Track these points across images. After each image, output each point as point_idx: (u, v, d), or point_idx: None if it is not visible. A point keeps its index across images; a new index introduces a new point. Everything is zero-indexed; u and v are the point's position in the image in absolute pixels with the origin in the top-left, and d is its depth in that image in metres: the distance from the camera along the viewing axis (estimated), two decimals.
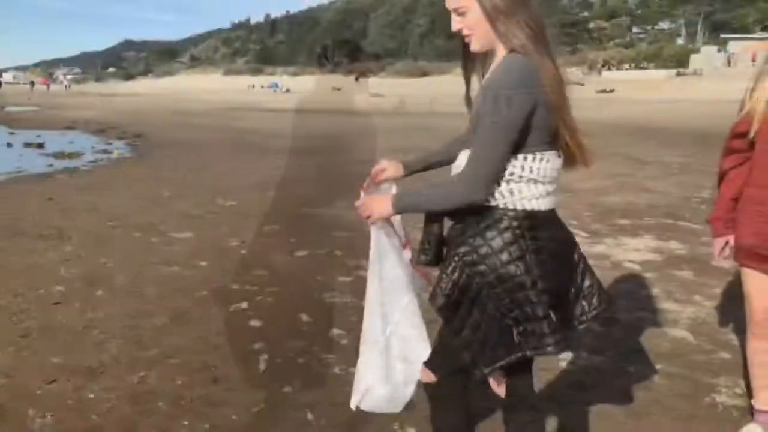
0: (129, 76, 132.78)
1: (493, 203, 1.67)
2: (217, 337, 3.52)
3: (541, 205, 1.68)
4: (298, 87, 68.97)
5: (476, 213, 1.69)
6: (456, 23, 1.73)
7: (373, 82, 68.26)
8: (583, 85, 46.96)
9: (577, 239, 1.91)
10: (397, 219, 1.96)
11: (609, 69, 53.60)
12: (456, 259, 1.71)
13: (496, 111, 1.57)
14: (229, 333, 3.59)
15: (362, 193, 2.00)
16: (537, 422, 1.93)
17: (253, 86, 77.30)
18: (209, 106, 32.55)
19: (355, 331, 3.56)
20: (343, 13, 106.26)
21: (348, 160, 11.61)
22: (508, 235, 1.66)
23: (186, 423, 2.64)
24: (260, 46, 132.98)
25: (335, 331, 3.59)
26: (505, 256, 1.65)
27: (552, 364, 3.05)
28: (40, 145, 13.73)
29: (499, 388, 1.90)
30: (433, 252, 1.85)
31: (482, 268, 1.67)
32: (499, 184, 1.65)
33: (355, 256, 5.12)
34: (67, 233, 5.83)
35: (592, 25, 77.81)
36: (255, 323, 3.74)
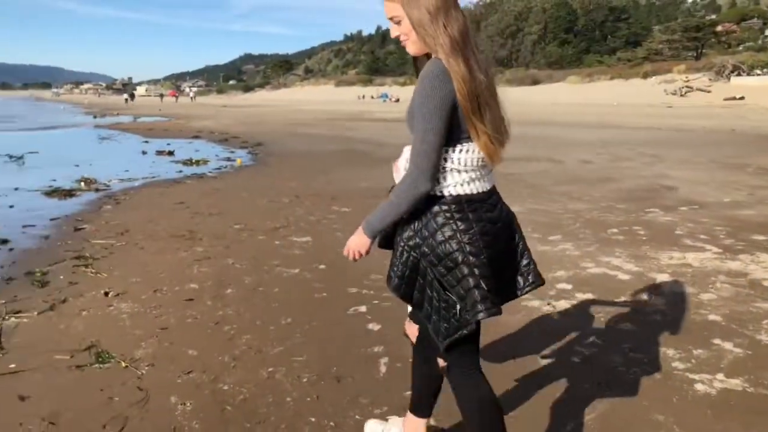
0: (248, 88, 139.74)
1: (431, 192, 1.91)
2: (338, 339, 3.63)
3: (467, 190, 1.93)
4: (408, 96, 69.68)
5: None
6: (393, 30, 1.94)
7: None
8: (710, 92, 44.07)
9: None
10: None
11: (739, 74, 49.95)
12: (402, 244, 1.98)
13: (421, 106, 1.82)
14: (349, 335, 3.68)
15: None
16: (479, 388, 2.10)
17: (363, 96, 78.92)
18: (322, 116, 33.60)
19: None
20: None
21: None
22: (440, 219, 1.91)
23: (313, 420, 2.74)
24: (371, 57, 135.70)
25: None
26: (439, 237, 1.90)
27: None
28: (171, 153, 14.73)
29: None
30: (384, 236, 2.12)
31: (424, 249, 1.92)
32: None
33: None
34: (197, 235, 6.22)
35: (719, 28, 72.87)
36: (373, 326, 3.81)
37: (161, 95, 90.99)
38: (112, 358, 3.34)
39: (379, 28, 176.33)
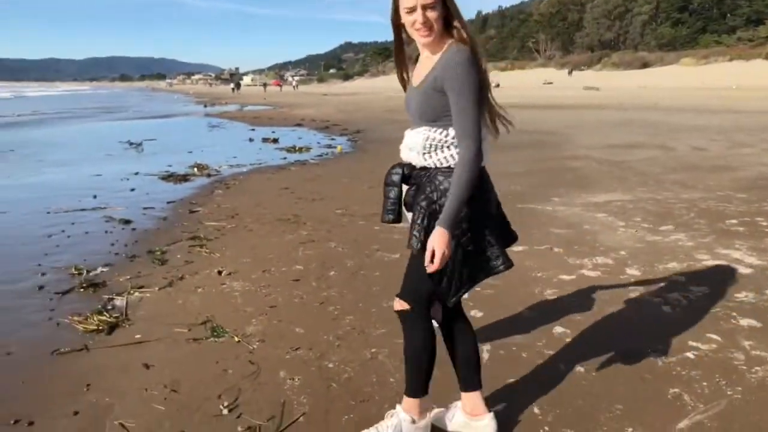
0: (347, 76, 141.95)
1: (445, 164, 2.15)
2: (437, 325, 3.63)
3: (483, 159, 2.12)
4: (508, 82, 68.26)
5: (428, 174, 2.18)
6: (421, 17, 2.06)
7: (588, 75, 65.20)
8: None
9: None
10: None
11: None
12: (423, 211, 2.13)
13: (462, 87, 2.03)
14: None
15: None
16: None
17: None
18: None
19: (580, 330, 3.48)
20: (557, 4, 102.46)
21: (561, 155, 11.26)
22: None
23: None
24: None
25: (558, 329, 3.51)
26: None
27: None
28: (275, 140, 15.26)
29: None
30: (395, 212, 2.30)
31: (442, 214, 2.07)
32: (447, 150, 2.14)
33: (575, 254, 4.97)
34: (301, 219, 6.43)
35: None
36: (477, 314, 3.79)
37: (264, 85, 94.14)
38: (226, 333, 3.54)
39: (479, 12, 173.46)
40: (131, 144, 14.54)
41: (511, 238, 2.44)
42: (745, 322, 3.58)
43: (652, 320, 3.64)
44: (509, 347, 3.31)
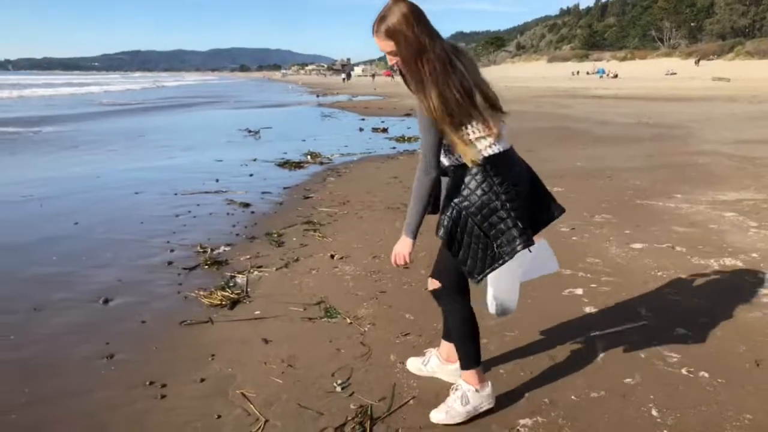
0: None
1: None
2: (553, 318, 3.56)
3: (494, 150, 2.34)
4: (627, 72, 65.01)
5: (457, 174, 2.39)
6: (390, 60, 2.37)
7: (718, 65, 60.83)
8: None
9: None
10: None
11: None
12: (452, 204, 2.37)
13: (419, 125, 2.35)
14: (565, 316, 3.60)
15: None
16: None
17: (577, 73, 75.32)
18: (533, 93, 32.75)
19: (704, 333, 3.29)
20: None
21: (684, 150, 10.61)
22: (479, 177, 2.33)
23: (527, 395, 2.75)
24: (588, 31, 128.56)
25: (681, 331, 3.34)
26: (479, 192, 2.33)
27: None
28: (385, 130, 15.45)
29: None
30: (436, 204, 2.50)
31: (466, 203, 2.34)
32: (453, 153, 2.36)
33: (700, 254, 4.68)
34: None
35: None
36: (590, 309, 3.68)
37: (373, 75, 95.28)
38: (339, 314, 3.65)
39: (597, 0, 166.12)
40: (249, 132, 15.25)
41: (553, 213, 2.54)
42: None
43: None
44: (626, 346, 3.18)
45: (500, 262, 2.37)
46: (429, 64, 2.26)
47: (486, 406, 2.58)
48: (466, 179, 2.35)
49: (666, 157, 9.80)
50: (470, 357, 2.57)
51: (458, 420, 2.53)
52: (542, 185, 2.55)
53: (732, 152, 10.13)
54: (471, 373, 2.57)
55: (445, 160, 2.42)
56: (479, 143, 2.31)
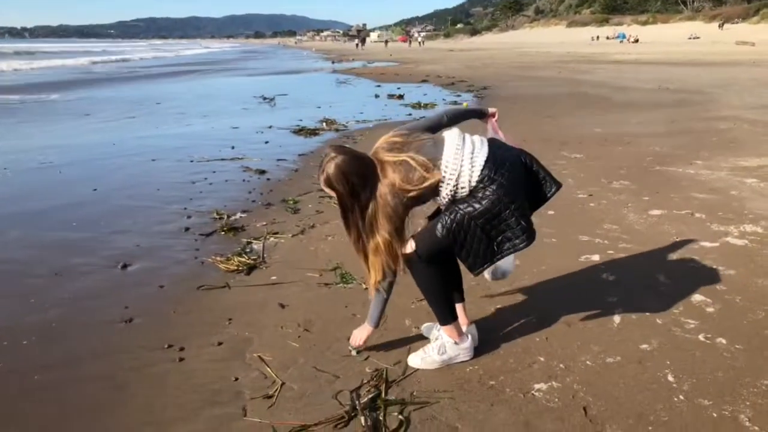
0: (474, 32, 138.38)
1: (466, 192, 2.48)
2: (570, 286, 3.56)
3: (477, 169, 2.45)
4: (649, 37, 63.58)
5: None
6: None
7: (742, 29, 59.26)
8: None
9: None
10: None
11: None
12: (456, 209, 2.47)
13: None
14: (582, 282, 3.59)
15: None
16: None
17: (597, 37, 73.79)
18: (552, 58, 32.20)
19: (723, 301, 3.26)
20: None
21: (706, 116, 10.40)
22: (479, 194, 2.46)
23: (542, 359, 2.75)
24: None
25: (698, 297, 3.31)
26: (485, 202, 2.44)
27: None
28: (401, 96, 15.30)
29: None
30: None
31: (470, 209, 2.45)
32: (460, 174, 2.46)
33: (719, 221, 4.62)
34: None
35: None
36: (608, 276, 3.66)
37: (386, 42, 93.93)
38: (354, 280, 3.67)
39: None
40: (265, 99, 15.19)
41: (549, 189, 2.66)
42: None
43: None
44: (643, 312, 3.17)
45: (499, 256, 2.54)
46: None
47: (462, 358, 2.75)
48: (473, 192, 2.48)
49: (686, 123, 9.62)
50: (445, 313, 2.71)
51: (433, 366, 2.71)
52: (537, 164, 2.66)
53: (754, 118, 9.91)
54: (449, 328, 2.71)
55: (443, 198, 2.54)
56: (448, 186, 2.47)
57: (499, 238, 2.49)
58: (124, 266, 4.06)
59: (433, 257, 2.57)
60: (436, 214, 2.68)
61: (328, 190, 2.51)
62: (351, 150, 2.55)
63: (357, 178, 2.44)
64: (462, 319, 2.87)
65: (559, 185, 2.68)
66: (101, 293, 3.65)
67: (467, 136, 2.55)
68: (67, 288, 3.73)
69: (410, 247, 2.56)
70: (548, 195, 2.66)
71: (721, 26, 67.16)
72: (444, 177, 2.46)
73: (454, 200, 2.50)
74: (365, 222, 2.49)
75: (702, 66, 23.59)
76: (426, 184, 2.44)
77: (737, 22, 68.31)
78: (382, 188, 2.45)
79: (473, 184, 2.46)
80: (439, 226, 2.49)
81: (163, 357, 2.87)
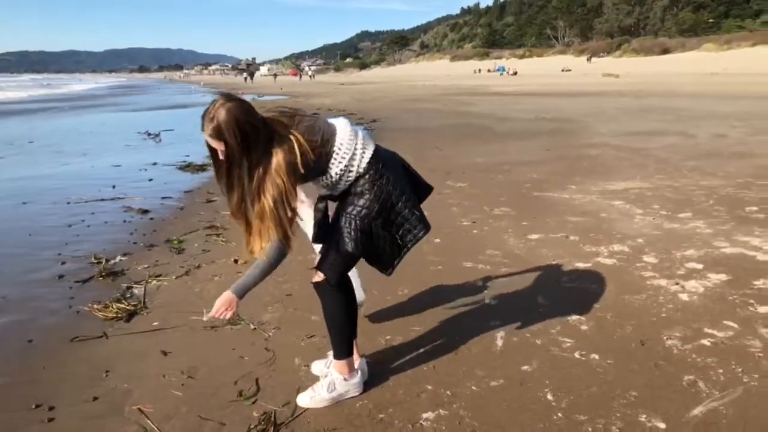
0: (363, 65, 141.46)
1: (353, 177, 2.44)
2: (454, 312, 3.65)
3: (365, 159, 2.44)
4: (526, 69, 67.62)
5: (345, 189, 2.47)
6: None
7: (607, 62, 64.40)
8: None
9: None
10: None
11: None
12: (348, 216, 2.44)
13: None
14: (465, 308, 3.70)
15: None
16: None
17: (479, 70, 77.57)
18: (437, 91, 33.42)
19: (595, 318, 3.47)
20: None
21: (578, 143, 11.16)
22: (367, 186, 2.45)
23: (430, 388, 2.80)
24: (488, 30, 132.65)
25: (574, 316, 3.51)
26: (373, 197, 2.44)
27: None
28: None
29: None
30: (321, 232, 2.59)
31: (365, 212, 2.44)
32: (348, 171, 2.43)
33: (591, 242, 4.94)
34: None
35: None
36: (491, 301, 3.80)
37: (274, 75, 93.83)
38: (242, 321, 3.57)
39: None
40: (149, 134, 14.66)
41: (424, 191, 2.77)
42: (763, 309, 3.55)
43: (669, 308, 3.62)
44: (523, 334, 3.31)
45: (405, 250, 2.58)
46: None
47: (352, 394, 2.73)
48: (356, 190, 2.46)
49: (561, 150, 10.27)
50: (344, 347, 2.69)
51: (322, 405, 2.67)
52: (410, 167, 2.76)
53: (620, 144, 10.75)
54: (343, 363, 2.69)
55: (325, 191, 2.53)
56: (341, 164, 2.42)
57: (400, 231, 2.52)
58: None
59: (342, 278, 2.58)
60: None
61: (214, 143, 2.21)
62: (243, 99, 2.30)
63: (251, 128, 2.20)
64: (354, 354, 2.84)
65: (431, 188, 2.82)
66: None
67: (356, 126, 2.55)
68: None
69: (318, 276, 2.57)
70: (423, 197, 2.75)
71: (589, 59, 72.78)
72: (338, 154, 2.39)
73: (335, 187, 2.45)
74: (253, 183, 2.26)
75: (574, 96, 25.34)
76: (327, 148, 2.37)
77: (603, 56, 74.30)
78: (278, 147, 2.25)
79: (360, 170, 2.42)
80: (347, 242, 2.42)
81: (29, 418, 2.65)
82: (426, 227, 2.58)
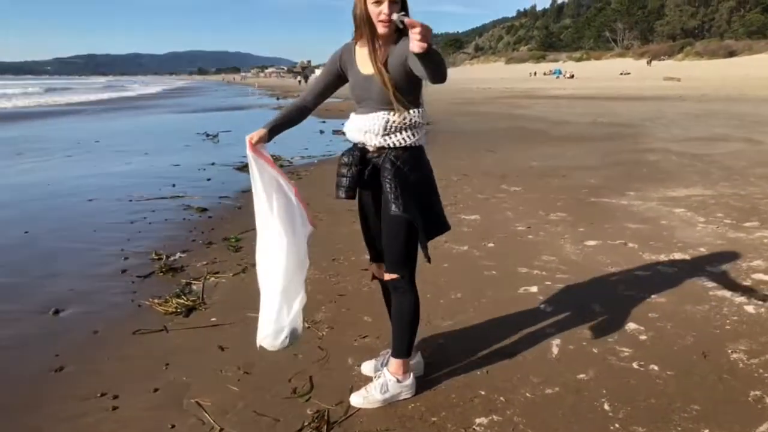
0: None
1: (401, 144, 2.47)
2: (510, 317, 3.61)
3: (423, 137, 2.53)
4: (583, 73, 66.32)
5: (384, 154, 2.51)
6: (387, 8, 2.30)
7: (669, 65, 62.53)
8: None
9: None
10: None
11: None
12: (392, 181, 2.45)
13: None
14: (521, 314, 3.65)
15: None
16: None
17: (534, 73, 76.48)
18: (491, 94, 33.13)
19: (655, 328, 3.37)
20: None
21: (637, 148, 10.87)
22: (424, 158, 2.55)
23: (483, 393, 2.77)
24: (544, 32, 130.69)
25: (632, 325, 3.42)
26: (425, 170, 2.56)
27: None
28: (344, 133, 15.41)
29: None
30: (352, 189, 2.67)
31: (412, 179, 2.48)
32: (404, 131, 2.46)
33: (651, 250, 4.81)
34: None
35: None
36: (546, 308, 3.74)
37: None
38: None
39: (554, 1, 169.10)
40: (208, 135, 15.04)
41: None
42: None
43: (734, 320, 3.49)
44: (579, 342, 3.25)
45: (434, 236, 2.64)
46: None
47: (405, 396, 2.73)
48: (404, 156, 2.49)
49: (619, 155, 10.03)
50: (408, 346, 2.70)
51: (375, 405, 2.67)
52: None
53: (681, 150, 10.42)
54: (399, 363, 2.71)
55: (388, 140, 2.49)
56: (420, 129, 2.51)
57: (434, 213, 2.60)
58: (56, 312, 3.90)
59: (412, 271, 2.61)
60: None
61: None
62: None
63: None
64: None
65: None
66: (30, 341, 3.49)
67: None
68: None
69: (389, 276, 2.61)
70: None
71: (649, 63, 70.84)
72: (423, 108, 2.50)
73: (397, 128, 2.45)
74: None
75: (633, 100, 24.72)
76: (420, 97, 2.50)
77: (664, 59, 72.15)
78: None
79: (416, 139, 2.47)
80: (394, 206, 2.43)
81: (95, 406, 2.76)
82: (447, 226, 2.66)
